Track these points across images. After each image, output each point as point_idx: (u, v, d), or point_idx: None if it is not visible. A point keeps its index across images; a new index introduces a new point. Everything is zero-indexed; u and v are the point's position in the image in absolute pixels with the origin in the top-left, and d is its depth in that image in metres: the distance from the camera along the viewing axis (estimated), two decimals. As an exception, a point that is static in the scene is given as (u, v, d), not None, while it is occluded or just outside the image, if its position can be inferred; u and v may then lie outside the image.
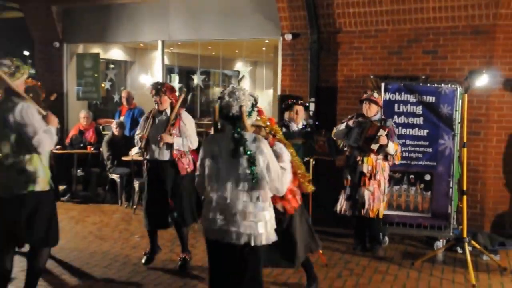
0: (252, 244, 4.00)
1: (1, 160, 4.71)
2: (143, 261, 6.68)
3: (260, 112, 4.57)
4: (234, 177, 4.02)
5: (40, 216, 4.87)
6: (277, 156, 4.29)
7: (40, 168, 4.82)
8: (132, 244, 7.54)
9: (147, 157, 6.65)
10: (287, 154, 4.54)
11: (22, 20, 13.46)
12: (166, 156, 6.51)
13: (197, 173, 4.34)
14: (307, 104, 7.68)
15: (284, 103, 7.80)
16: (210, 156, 4.15)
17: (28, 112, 4.68)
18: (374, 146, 7.00)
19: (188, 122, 6.66)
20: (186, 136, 6.54)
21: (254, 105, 4.18)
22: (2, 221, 4.85)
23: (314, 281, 5.76)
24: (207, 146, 4.23)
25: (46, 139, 4.73)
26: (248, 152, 3.97)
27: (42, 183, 4.84)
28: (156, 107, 6.63)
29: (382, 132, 6.94)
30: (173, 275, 6.34)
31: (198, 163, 4.32)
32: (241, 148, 3.98)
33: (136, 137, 6.75)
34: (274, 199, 4.45)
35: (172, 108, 6.60)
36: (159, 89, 6.54)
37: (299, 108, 7.51)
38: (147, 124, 6.64)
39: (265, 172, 4.01)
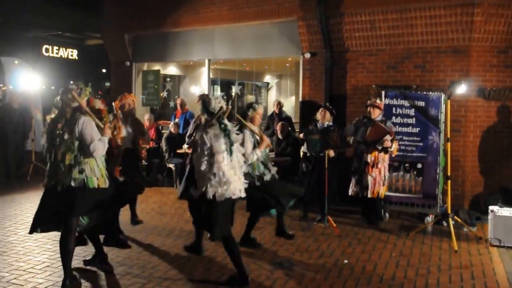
0: None
1: (61, 160, 4.65)
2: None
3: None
4: None
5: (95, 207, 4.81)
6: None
7: (95, 169, 4.75)
8: (186, 219, 7.46)
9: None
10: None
11: (102, 46, 13.66)
12: None
13: None
14: (331, 109, 7.64)
15: (315, 106, 7.83)
16: None
17: (88, 125, 4.69)
18: (379, 146, 6.97)
19: None
20: None
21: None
22: (48, 207, 4.73)
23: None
24: None
25: (100, 146, 4.72)
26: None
27: (96, 180, 4.74)
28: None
29: (388, 137, 6.90)
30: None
31: None
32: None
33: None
34: None
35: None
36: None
37: (324, 111, 7.55)
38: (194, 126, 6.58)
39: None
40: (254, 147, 5.81)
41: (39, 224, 4.78)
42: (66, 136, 4.66)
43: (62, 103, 4.74)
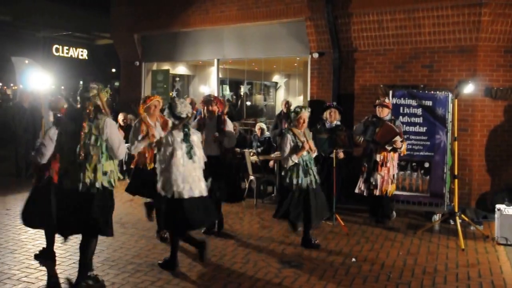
0: None
1: (84, 161, 4.52)
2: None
3: None
4: None
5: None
6: None
7: (114, 171, 4.72)
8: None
9: None
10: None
11: (111, 46, 13.76)
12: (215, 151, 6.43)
13: None
14: (340, 108, 7.70)
15: (323, 106, 7.86)
16: None
17: (114, 127, 4.66)
18: (388, 147, 7.01)
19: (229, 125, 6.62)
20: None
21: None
22: (61, 209, 4.70)
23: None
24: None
25: (124, 149, 4.76)
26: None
27: (115, 181, 4.74)
28: (206, 113, 6.57)
29: (398, 138, 6.93)
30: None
31: None
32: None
33: None
34: None
35: (218, 115, 6.53)
36: (211, 100, 6.57)
37: (333, 110, 7.58)
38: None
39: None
40: (294, 152, 5.97)
41: (60, 227, 4.75)
42: (93, 138, 4.55)
43: (83, 102, 4.63)
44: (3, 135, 12.81)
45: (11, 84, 19.83)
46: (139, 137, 5.81)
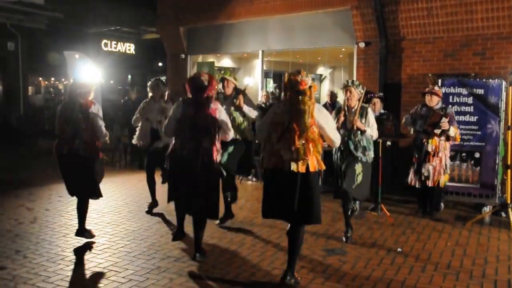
0: None
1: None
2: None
3: None
4: None
5: None
6: None
7: None
8: (239, 206, 7.49)
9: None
10: None
11: (158, 40, 14.04)
12: None
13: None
14: (382, 97, 7.60)
15: (366, 96, 7.76)
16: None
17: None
18: (437, 131, 6.80)
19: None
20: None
21: None
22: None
23: None
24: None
25: None
26: None
27: None
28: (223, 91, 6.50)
29: (444, 120, 6.74)
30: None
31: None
32: None
33: None
34: None
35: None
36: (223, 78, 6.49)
37: (376, 100, 7.54)
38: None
39: None
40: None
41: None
42: None
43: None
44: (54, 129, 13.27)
45: (63, 79, 20.52)
46: None
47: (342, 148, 5.89)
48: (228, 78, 6.50)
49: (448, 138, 6.90)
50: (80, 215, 5.85)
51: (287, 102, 4.49)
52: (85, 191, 5.79)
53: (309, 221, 4.51)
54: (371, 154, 5.94)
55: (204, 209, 5.07)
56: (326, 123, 4.54)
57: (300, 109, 4.34)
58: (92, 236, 5.92)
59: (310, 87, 4.45)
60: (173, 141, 5.17)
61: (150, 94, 7.37)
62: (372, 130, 5.93)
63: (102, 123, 5.69)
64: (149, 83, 7.41)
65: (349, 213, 6.04)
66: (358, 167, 5.86)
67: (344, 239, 5.90)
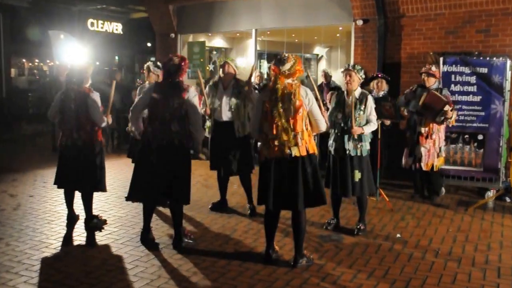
0: None
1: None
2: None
3: None
4: None
5: None
6: None
7: None
8: (231, 191, 7.42)
9: None
10: None
11: (146, 19, 13.82)
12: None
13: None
14: (387, 78, 7.55)
15: (370, 76, 7.73)
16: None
17: None
18: (439, 119, 6.65)
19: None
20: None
21: None
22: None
23: None
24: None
25: None
26: None
27: None
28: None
29: (448, 108, 6.58)
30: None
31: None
32: None
33: None
34: None
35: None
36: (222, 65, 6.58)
37: (380, 80, 7.51)
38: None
39: None
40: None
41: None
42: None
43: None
44: (41, 110, 13.15)
45: (47, 60, 20.24)
46: None
47: (337, 133, 5.70)
48: (230, 63, 6.50)
49: (442, 121, 6.79)
50: (87, 207, 5.82)
51: (272, 88, 4.58)
52: (90, 183, 5.73)
53: (319, 202, 4.65)
54: (365, 146, 5.65)
55: (179, 194, 5.10)
56: (311, 106, 4.69)
57: (285, 93, 4.51)
58: (103, 222, 5.94)
59: (294, 63, 4.57)
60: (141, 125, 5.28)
61: (146, 79, 7.14)
62: (370, 126, 5.65)
63: (99, 110, 5.65)
64: (145, 65, 7.22)
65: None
66: (356, 174, 5.65)
67: (355, 231, 5.70)
